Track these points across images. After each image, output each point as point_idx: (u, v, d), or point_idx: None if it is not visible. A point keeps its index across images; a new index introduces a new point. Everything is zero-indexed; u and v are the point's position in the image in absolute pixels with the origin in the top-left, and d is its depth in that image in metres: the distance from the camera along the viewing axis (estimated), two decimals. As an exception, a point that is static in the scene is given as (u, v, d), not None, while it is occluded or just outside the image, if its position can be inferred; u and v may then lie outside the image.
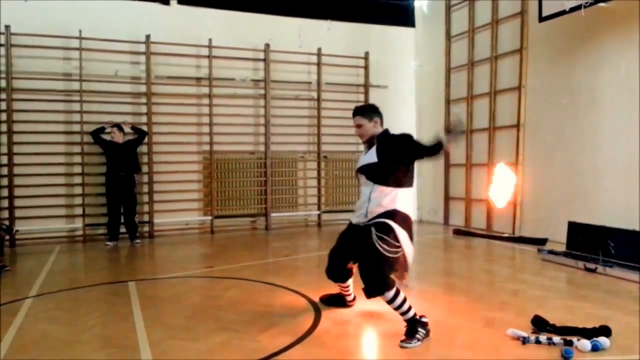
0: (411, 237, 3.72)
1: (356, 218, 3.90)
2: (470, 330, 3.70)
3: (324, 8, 9.47)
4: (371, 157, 3.81)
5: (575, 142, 7.07)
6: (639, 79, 6.15)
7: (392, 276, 3.64)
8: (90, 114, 7.88)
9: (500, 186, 3.49)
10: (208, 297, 4.71)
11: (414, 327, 3.49)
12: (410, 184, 3.80)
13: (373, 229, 3.65)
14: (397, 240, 3.63)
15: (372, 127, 3.89)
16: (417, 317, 3.55)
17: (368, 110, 3.96)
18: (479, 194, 8.78)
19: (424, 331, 3.48)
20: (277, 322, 3.90)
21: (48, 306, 4.42)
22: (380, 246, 3.58)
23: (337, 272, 4.08)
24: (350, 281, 4.16)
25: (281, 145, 9.15)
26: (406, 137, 3.78)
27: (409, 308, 3.55)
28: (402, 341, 3.43)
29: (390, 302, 3.55)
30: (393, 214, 3.68)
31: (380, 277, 3.54)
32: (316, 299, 4.44)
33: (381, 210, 3.70)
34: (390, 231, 3.63)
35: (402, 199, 3.73)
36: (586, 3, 6.21)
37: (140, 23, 8.19)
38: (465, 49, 9.06)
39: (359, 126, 3.92)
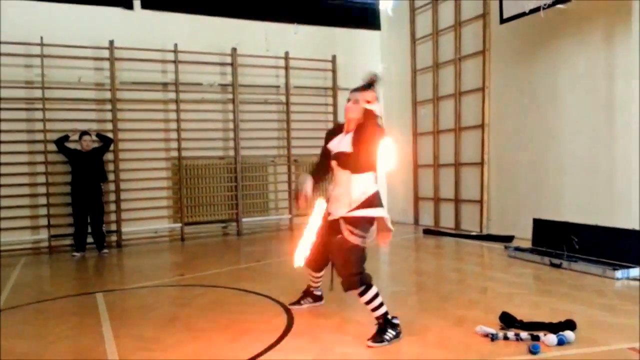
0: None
1: (335, 209, 3.72)
2: (441, 329, 3.76)
3: (290, 12, 9.47)
4: (347, 144, 3.62)
5: (538, 140, 7.26)
6: (596, 77, 6.36)
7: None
8: (53, 122, 7.71)
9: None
10: (178, 306, 4.66)
11: (384, 327, 3.51)
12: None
13: (345, 223, 3.58)
14: (371, 223, 3.61)
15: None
16: (389, 316, 3.56)
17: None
18: (447, 194, 8.93)
19: (393, 332, 3.50)
20: (250, 329, 3.88)
21: (14, 320, 4.31)
22: (353, 237, 3.55)
23: (316, 264, 4.04)
24: (322, 273, 4.18)
25: (251, 150, 9.11)
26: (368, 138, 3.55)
27: (380, 304, 3.55)
28: (368, 340, 3.46)
29: (361, 294, 3.55)
30: (370, 201, 3.60)
31: (354, 272, 3.52)
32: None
33: (361, 197, 3.58)
34: (365, 222, 3.59)
35: (370, 179, 3.63)
36: (545, 5, 6.37)
37: (103, 28, 8.05)
38: (430, 51, 9.20)
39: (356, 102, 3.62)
